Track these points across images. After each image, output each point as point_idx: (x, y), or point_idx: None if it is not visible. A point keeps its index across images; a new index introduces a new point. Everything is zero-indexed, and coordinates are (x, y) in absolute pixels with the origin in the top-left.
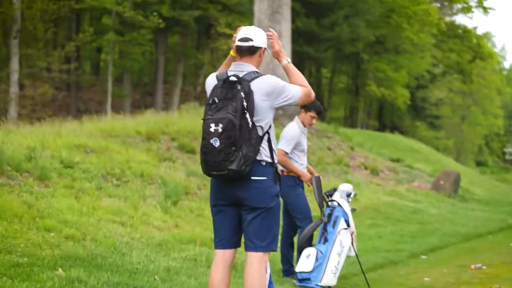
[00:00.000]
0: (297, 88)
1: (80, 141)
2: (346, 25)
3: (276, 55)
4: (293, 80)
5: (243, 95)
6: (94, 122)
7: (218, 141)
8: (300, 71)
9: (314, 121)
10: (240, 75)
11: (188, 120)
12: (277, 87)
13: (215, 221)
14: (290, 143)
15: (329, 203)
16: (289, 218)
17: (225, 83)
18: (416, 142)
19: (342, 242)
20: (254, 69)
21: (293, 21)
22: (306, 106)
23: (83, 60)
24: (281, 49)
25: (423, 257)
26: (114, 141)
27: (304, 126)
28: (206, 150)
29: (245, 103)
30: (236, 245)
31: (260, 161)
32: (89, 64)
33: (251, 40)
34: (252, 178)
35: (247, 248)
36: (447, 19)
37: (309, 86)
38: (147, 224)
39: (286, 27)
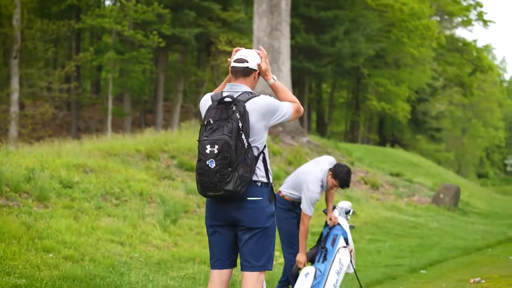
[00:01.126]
0: (288, 105)
1: (80, 161)
2: (346, 40)
3: (263, 74)
4: (282, 96)
5: (238, 116)
6: (94, 142)
7: (214, 162)
8: (301, 87)
9: (335, 189)
10: (235, 96)
11: (187, 138)
12: (271, 106)
13: (211, 241)
14: (313, 205)
15: (328, 221)
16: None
17: (219, 104)
18: (416, 156)
19: (341, 260)
20: (249, 89)
21: (292, 37)
22: (335, 172)
23: (83, 79)
24: (268, 68)
25: (422, 271)
26: (114, 160)
27: (329, 186)
28: (202, 171)
29: (240, 124)
30: (232, 265)
31: (255, 181)
32: (89, 83)
33: (246, 61)
34: (248, 198)
35: (243, 268)
36: (447, 32)
37: (298, 101)
38: (146, 243)
39: (285, 43)
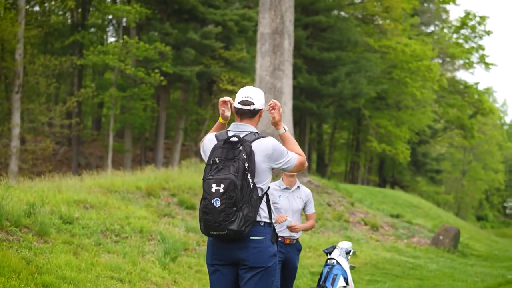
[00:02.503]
0: (294, 155)
1: (80, 197)
2: (348, 82)
3: (275, 124)
4: (289, 147)
5: (244, 156)
6: (94, 178)
7: (219, 201)
8: (302, 127)
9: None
10: (241, 136)
11: (188, 176)
12: (276, 151)
13: (212, 280)
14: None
15: (328, 261)
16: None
17: (225, 143)
18: (416, 198)
19: None
20: (254, 130)
21: (294, 77)
22: None
23: (85, 115)
24: (281, 118)
25: None
26: (114, 197)
27: (286, 184)
28: (207, 210)
29: (246, 164)
30: None
31: (259, 221)
32: (91, 119)
33: (252, 103)
34: (251, 238)
35: None
36: (449, 74)
37: (304, 155)
38: (146, 280)
39: (287, 83)
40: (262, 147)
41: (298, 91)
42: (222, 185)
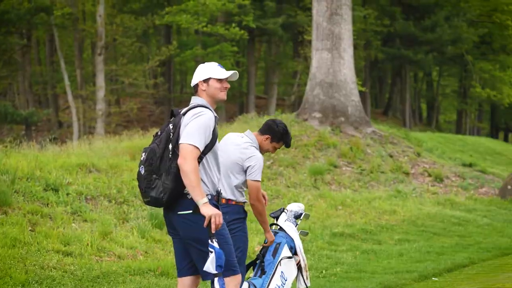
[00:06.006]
0: (189, 145)
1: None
2: (447, 26)
3: None
4: None
5: (171, 127)
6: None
7: (144, 168)
8: (403, 76)
9: (275, 151)
10: (185, 108)
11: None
12: (193, 122)
13: (174, 249)
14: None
15: (273, 227)
16: None
17: (170, 117)
18: (502, 144)
19: (284, 273)
20: (202, 101)
21: (390, 24)
22: (274, 137)
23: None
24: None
25: (434, 279)
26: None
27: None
28: (137, 177)
29: (171, 135)
30: (191, 272)
31: (186, 194)
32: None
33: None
34: (178, 213)
35: (203, 278)
36: None
37: (185, 161)
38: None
39: (346, 28)
40: (188, 119)
41: (395, 38)
42: (144, 153)
